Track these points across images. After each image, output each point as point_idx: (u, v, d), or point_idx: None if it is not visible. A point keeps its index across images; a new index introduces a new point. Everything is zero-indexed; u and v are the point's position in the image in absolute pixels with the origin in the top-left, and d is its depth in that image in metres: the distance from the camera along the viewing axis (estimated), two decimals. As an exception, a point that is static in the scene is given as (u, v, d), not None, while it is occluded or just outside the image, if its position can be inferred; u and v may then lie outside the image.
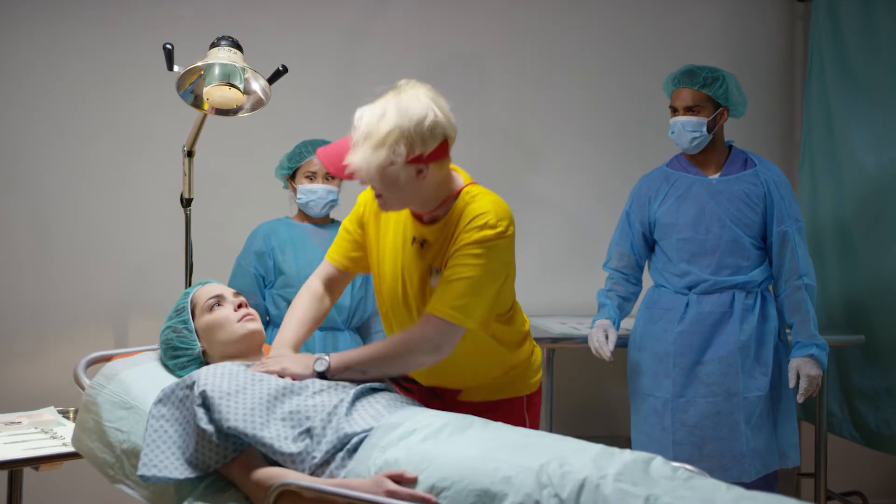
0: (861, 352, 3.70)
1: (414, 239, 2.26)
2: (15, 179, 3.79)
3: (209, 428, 1.95)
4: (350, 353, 2.21)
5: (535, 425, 2.48)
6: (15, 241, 3.78)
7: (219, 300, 2.29)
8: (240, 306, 2.28)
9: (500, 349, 2.36)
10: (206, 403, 1.98)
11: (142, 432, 2.06)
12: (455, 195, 2.23)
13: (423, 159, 2.09)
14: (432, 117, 2.08)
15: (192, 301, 2.31)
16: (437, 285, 2.19)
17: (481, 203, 2.20)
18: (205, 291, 2.32)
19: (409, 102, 2.08)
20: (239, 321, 2.25)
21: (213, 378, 2.03)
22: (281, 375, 2.12)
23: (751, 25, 4.32)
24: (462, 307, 2.15)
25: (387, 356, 2.19)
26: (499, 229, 2.17)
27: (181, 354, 2.26)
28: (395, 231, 2.30)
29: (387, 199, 2.16)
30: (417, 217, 2.26)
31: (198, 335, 2.27)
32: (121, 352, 2.49)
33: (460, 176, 2.28)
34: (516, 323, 2.41)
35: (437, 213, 2.23)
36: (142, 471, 1.96)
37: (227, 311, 2.26)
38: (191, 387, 2.02)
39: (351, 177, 2.11)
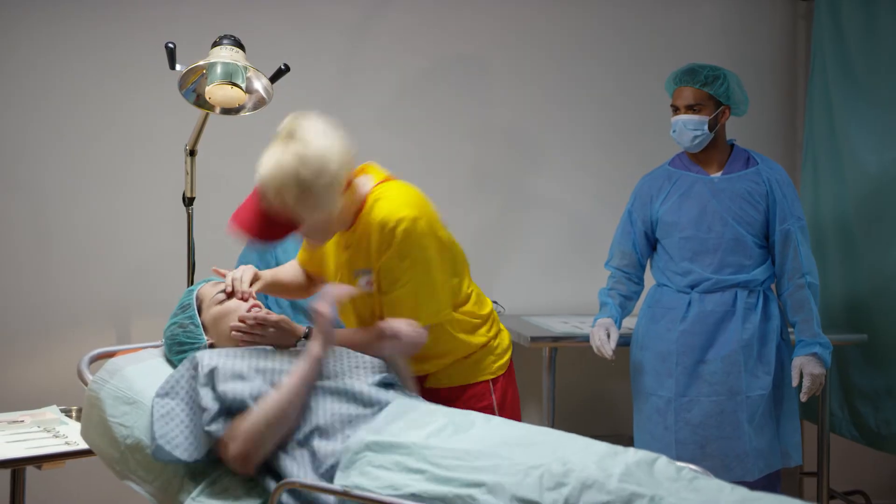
0: (861, 351, 3.70)
1: (341, 244, 2.35)
2: (16, 179, 3.78)
3: (212, 406, 1.99)
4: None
5: (512, 410, 2.51)
6: (16, 240, 3.77)
7: (227, 293, 2.33)
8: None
9: (452, 335, 2.40)
10: (210, 383, 2.01)
11: (145, 427, 2.06)
12: (363, 204, 2.27)
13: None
14: (336, 155, 2.13)
15: (198, 296, 2.34)
16: (385, 305, 2.28)
17: (383, 205, 2.23)
18: (212, 286, 2.36)
19: (312, 148, 2.11)
20: (248, 311, 2.27)
21: (219, 358, 2.06)
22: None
23: (753, 25, 4.32)
24: (421, 314, 2.25)
25: (368, 345, 2.27)
26: (405, 225, 2.20)
27: (188, 349, 2.26)
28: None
29: (315, 240, 2.31)
30: None
31: (205, 329, 2.28)
32: (124, 348, 2.49)
33: (368, 178, 2.32)
34: (468, 309, 2.45)
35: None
36: (159, 441, 1.98)
37: (235, 302, 2.30)
38: (195, 367, 2.05)
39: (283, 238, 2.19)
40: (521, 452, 1.80)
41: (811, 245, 3.31)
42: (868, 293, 3.67)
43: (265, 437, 1.96)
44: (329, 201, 2.14)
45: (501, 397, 2.49)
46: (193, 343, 2.26)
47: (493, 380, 2.48)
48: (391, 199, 2.24)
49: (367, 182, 2.30)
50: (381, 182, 2.30)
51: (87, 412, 2.22)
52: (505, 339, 2.54)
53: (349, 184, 2.21)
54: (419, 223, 2.22)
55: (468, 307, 2.45)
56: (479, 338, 2.46)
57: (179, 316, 2.31)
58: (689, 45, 4.19)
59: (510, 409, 2.50)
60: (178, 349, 2.28)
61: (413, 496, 1.76)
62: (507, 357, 2.53)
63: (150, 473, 2.05)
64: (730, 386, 3.16)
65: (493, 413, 2.41)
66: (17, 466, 2.61)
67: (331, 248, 2.38)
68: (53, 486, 3.59)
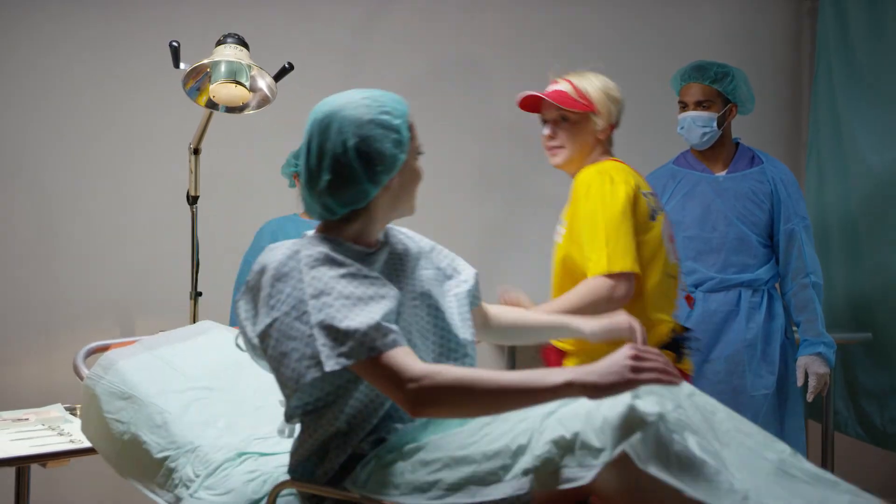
0: (866, 350, 3.70)
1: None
2: (18, 180, 3.76)
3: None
4: None
5: None
6: (20, 239, 3.76)
7: None
8: None
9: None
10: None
11: (142, 422, 2.05)
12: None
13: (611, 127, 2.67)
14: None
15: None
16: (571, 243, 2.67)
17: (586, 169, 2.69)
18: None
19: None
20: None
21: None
22: None
23: (758, 24, 4.32)
24: (596, 249, 2.53)
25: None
26: (592, 175, 2.66)
27: (377, 169, 1.85)
28: None
29: (569, 148, 2.68)
30: None
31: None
32: (118, 341, 2.48)
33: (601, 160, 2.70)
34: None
35: None
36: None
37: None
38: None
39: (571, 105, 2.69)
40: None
41: (815, 244, 3.31)
42: (872, 291, 3.67)
43: (454, 399, 1.63)
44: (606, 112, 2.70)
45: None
46: (392, 163, 1.89)
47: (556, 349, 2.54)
48: (592, 167, 2.59)
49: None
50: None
51: (86, 408, 2.21)
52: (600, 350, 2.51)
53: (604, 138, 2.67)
54: (605, 176, 2.51)
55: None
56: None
57: (383, 126, 1.90)
58: (693, 44, 4.19)
59: None
60: (362, 169, 1.85)
61: (449, 489, 1.64)
62: (576, 361, 2.48)
63: (147, 469, 2.04)
64: (734, 385, 3.15)
65: None
66: (21, 464, 2.58)
67: None
68: (58, 484, 3.58)
